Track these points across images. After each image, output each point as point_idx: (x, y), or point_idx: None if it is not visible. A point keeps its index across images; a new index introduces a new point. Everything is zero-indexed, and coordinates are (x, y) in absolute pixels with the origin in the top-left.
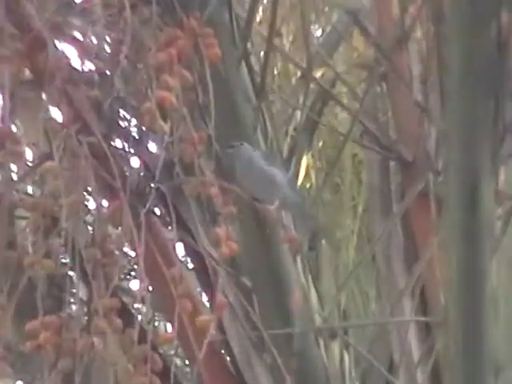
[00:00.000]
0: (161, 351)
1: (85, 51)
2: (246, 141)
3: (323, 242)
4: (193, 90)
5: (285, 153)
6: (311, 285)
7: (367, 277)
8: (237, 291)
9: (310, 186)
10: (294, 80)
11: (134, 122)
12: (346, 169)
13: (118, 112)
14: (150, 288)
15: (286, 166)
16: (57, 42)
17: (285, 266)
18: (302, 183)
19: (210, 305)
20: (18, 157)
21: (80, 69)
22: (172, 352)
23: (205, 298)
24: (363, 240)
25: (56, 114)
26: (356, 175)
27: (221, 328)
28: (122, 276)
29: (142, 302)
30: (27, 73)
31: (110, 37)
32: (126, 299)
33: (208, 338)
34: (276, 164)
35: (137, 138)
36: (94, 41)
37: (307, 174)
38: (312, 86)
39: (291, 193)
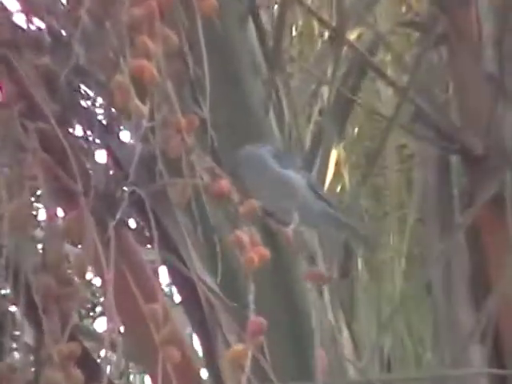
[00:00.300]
0: None
1: (32, 3)
2: (255, 128)
3: (360, 265)
4: (180, 57)
5: (307, 145)
6: (343, 324)
7: (420, 314)
8: (241, 332)
9: (342, 190)
10: (319, 44)
11: (99, 101)
12: (390, 166)
13: (79, 88)
14: (123, 329)
15: (307, 163)
16: None
17: (306, 299)
18: (331, 186)
19: (205, 353)
20: None
21: (25, 27)
22: None
23: (197, 341)
24: (414, 263)
25: None
26: (404, 174)
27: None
28: (84, 312)
29: (112, 347)
30: None
31: None
32: (88, 344)
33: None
34: (293, 162)
35: (104, 123)
36: None
37: (337, 174)
38: (345, 51)
39: (314, 201)
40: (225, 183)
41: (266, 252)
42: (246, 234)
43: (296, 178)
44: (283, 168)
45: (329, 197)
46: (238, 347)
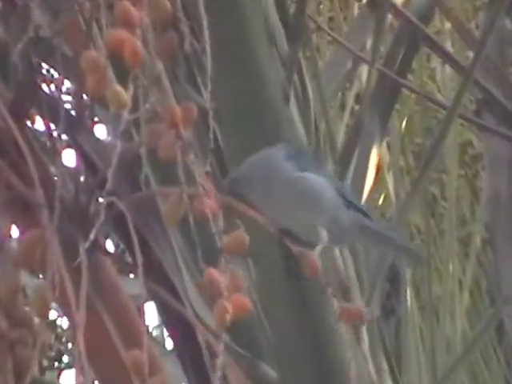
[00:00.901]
0: None
1: None
2: (270, 121)
3: (409, 300)
4: (174, 27)
5: (340, 143)
6: (387, 377)
7: (488, 366)
8: None
9: (385, 202)
10: (356, 8)
11: (67, 84)
12: (449, 170)
13: (39, 67)
14: None
15: (340, 166)
16: None
17: (339, 345)
18: (370, 196)
19: None
20: None
21: None
22: None
23: None
24: (482, 298)
25: None
26: (468, 181)
27: None
28: (47, 363)
29: None
30: None
31: None
32: None
33: None
34: (313, 161)
35: (73, 114)
36: None
37: (379, 181)
38: (390, 19)
39: (345, 210)
40: (209, 203)
41: (246, 303)
42: (224, 275)
43: (318, 180)
44: (300, 170)
45: (363, 204)
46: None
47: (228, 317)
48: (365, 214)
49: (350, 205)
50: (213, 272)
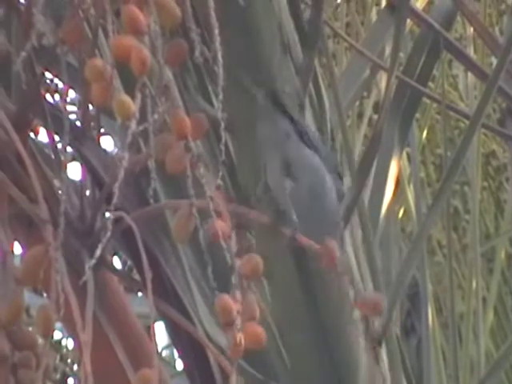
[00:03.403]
0: None
1: None
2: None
3: (430, 318)
4: (184, 35)
5: (357, 153)
6: None
7: None
8: None
9: (405, 214)
10: (374, 13)
11: (71, 95)
12: (472, 182)
13: (43, 76)
14: None
15: (357, 179)
16: None
17: (357, 367)
18: (389, 209)
19: None
20: None
21: None
22: None
23: None
24: (507, 316)
25: None
26: (492, 193)
27: None
28: None
29: None
30: None
31: None
32: None
33: None
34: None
35: (78, 125)
36: None
37: (399, 192)
38: (410, 24)
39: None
40: (221, 225)
41: (260, 333)
42: (237, 302)
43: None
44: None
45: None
46: None
47: (241, 349)
48: None
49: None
50: (225, 298)
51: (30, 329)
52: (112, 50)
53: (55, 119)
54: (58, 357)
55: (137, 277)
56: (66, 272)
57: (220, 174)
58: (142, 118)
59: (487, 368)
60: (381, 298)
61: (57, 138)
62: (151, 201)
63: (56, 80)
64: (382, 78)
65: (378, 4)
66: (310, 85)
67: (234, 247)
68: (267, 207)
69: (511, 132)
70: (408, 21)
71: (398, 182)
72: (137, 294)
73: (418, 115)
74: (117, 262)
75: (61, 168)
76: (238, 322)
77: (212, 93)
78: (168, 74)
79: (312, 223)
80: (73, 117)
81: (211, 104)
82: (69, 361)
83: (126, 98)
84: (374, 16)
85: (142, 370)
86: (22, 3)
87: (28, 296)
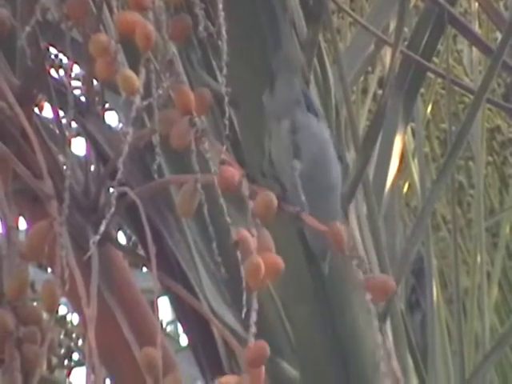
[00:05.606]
0: None
1: None
2: None
3: (435, 293)
4: (188, 10)
5: (362, 129)
6: (412, 375)
7: None
8: None
9: (410, 189)
10: None
11: (76, 70)
12: (477, 158)
13: (47, 51)
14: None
15: (362, 154)
16: None
17: (362, 340)
18: (394, 184)
19: None
20: None
21: None
22: None
23: None
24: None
25: None
26: (496, 168)
27: None
28: (56, 361)
29: None
30: None
31: None
32: None
33: None
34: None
35: (82, 100)
36: None
37: (404, 169)
38: None
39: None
40: (233, 171)
41: (278, 262)
42: (253, 236)
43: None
44: None
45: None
46: None
47: (261, 274)
48: None
49: None
50: (243, 232)
51: (35, 304)
52: (116, 26)
53: (60, 94)
54: (63, 332)
55: (141, 252)
56: (71, 247)
57: (224, 148)
58: (147, 93)
59: (492, 343)
60: (391, 281)
61: (61, 113)
62: (156, 176)
63: (60, 55)
64: (387, 53)
65: None
66: (315, 60)
67: (247, 191)
68: (273, 181)
69: None
70: None
71: (403, 157)
72: (141, 269)
73: (422, 90)
74: (121, 238)
75: (65, 143)
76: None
77: (216, 68)
78: (172, 49)
79: (314, 194)
80: (77, 92)
81: (215, 79)
82: (73, 336)
83: (131, 73)
84: None
85: (146, 347)
86: None
87: (33, 271)
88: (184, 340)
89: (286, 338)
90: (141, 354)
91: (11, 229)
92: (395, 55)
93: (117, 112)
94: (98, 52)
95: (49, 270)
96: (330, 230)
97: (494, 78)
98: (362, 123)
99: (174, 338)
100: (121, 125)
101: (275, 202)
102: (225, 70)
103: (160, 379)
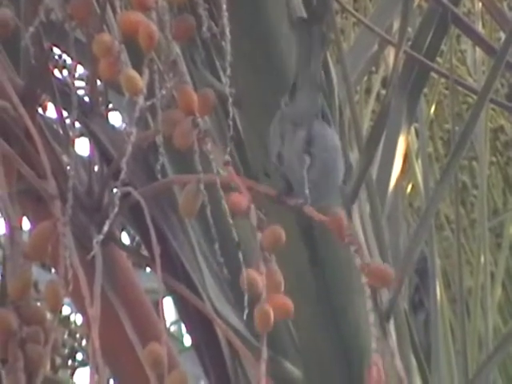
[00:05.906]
0: None
1: None
2: None
3: (438, 293)
4: (191, 10)
5: (365, 129)
6: (415, 374)
7: None
8: None
9: (413, 189)
10: None
11: (79, 70)
12: (480, 158)
13: (50, 52)
14: (112, 383)
15: (365, 154)
16: None
17: (365, 340)
18: (397, 184)
19: None
20: None
21: None
22: None
23: None
24: None
25: None
26: (500, 168)
27: None
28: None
29: None
30: None
31: None
32: None
33: None
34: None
35: (86, 101)
36: None
37: (407, 168)
38: None
39: None
40: (240, 198)
41: (288, 304)
42: (262, 274)
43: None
44: None
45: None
46: None
47: (270, 321)
48: None
49: None
50: (251, 272)
51: (39, 304)
52: (120, 26)
53: (63, 95)
54: (67, 332)
55: (145, 252)
56: (74, 247)
57: (228, 149)
58: (150, 93)
59: (495, 343)
60: (389, 269)
61: (65, 113)
62: (159, 176)
63: (64, 55)
64: (390, 53)
65: None
66: None
67: (254, 219)
68: (278, 181)
69: None
70: None
71: (406, 157)
72: (145, 269)
73: (426, 90)
74: (125, 238)
75: (69, 143)
76: (263, 294)
77: (220, 68)
78: (176, 49)
79: (319, 197)
80: (81, 92)
81: (219, 79)
82: (77, 336)
83: (134, 74)
84: None
85: (150, 344)
86: None
87: (36, 271)
88: (188, 340)
89: (289, 338)
90: (145, 351)
91: (15, 229)
92: (399, 55)
93: (120, 112)
94: (102, 52)
95: (52, 270)
96: (331, 217)
97: (497, 78)
98: (366, 123)
99: (178, 338)
100: (124, 125)
101: (283, 235)
102: (229, 71)
103: (164, 378)
